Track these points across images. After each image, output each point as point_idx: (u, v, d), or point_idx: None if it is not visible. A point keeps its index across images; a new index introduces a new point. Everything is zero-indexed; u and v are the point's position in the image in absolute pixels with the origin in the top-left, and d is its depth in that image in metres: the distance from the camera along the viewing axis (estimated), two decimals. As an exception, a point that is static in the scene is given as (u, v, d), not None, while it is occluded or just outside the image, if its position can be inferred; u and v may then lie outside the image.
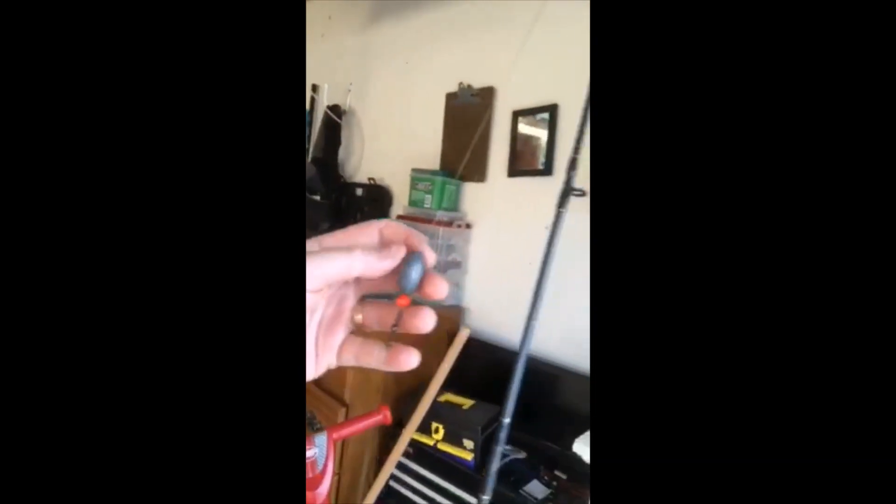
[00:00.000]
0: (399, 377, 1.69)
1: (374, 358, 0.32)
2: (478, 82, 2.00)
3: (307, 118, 2.67)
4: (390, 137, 2.38)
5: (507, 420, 1.15)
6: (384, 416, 1.08)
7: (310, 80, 2.66)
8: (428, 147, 2.14)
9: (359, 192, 2.37)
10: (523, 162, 1.86)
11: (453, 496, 1.50)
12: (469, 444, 1.50)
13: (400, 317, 0.32)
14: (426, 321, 0.32)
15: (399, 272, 0.31)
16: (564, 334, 1.62)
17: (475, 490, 1.38)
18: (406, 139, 2.29)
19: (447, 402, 1.57)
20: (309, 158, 2.50)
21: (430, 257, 0.32)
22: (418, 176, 1.99)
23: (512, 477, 1.43)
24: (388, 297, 0.33)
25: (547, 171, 1.76)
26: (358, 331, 0.34)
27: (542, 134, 1.79)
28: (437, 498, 1.51)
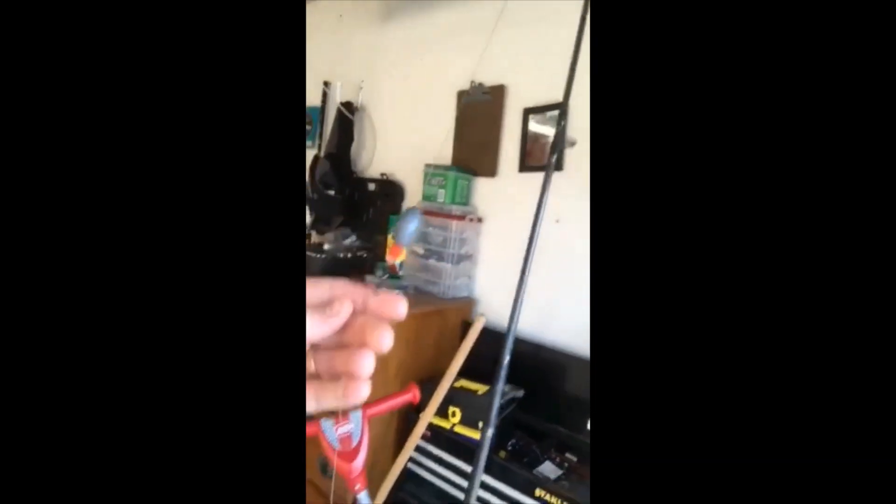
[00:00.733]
0: (417, 365, 1.76)
1: (332, 395, 0.33)
2: (489, 80, 2.06)
3: (318, 115, 2.72)
4: (402, 134, 2.44)
5: (507, 358, 1.21)
6: (413, 394, 1.16)
7: (322, 77, 2.72)
8: (439, 144, 2.20)
9: (371, 186, 2.44)
10: (533, 158, 1.93)
11: (468, 475, 1.57)
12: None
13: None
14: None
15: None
16: (577, 324, 1.70)
17: (490, 470, 1.47)
18: (418, 136, 2.35)
19: (462, 388, 1.65)
20: (322, 153, 2.56)
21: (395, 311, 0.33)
22: (432, 171, 2.06)
23: (526, 458, 1.51)
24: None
25: (557, 167, 1.82)
26: (311, 377, 0.34)
27: (551, 132, 1.85)
28: (453, 477, 1.59)
